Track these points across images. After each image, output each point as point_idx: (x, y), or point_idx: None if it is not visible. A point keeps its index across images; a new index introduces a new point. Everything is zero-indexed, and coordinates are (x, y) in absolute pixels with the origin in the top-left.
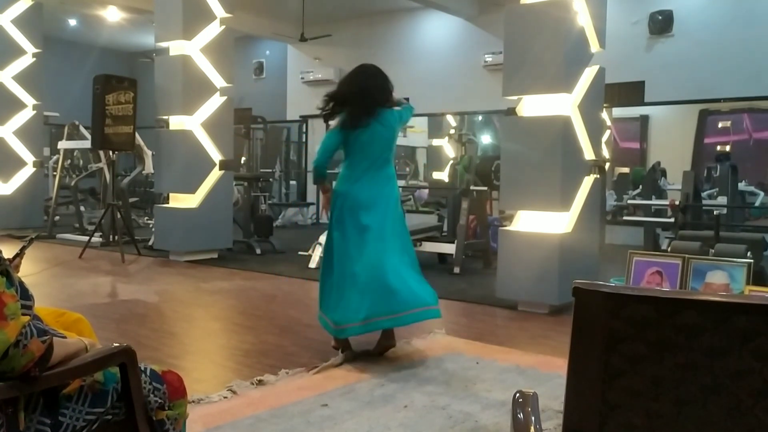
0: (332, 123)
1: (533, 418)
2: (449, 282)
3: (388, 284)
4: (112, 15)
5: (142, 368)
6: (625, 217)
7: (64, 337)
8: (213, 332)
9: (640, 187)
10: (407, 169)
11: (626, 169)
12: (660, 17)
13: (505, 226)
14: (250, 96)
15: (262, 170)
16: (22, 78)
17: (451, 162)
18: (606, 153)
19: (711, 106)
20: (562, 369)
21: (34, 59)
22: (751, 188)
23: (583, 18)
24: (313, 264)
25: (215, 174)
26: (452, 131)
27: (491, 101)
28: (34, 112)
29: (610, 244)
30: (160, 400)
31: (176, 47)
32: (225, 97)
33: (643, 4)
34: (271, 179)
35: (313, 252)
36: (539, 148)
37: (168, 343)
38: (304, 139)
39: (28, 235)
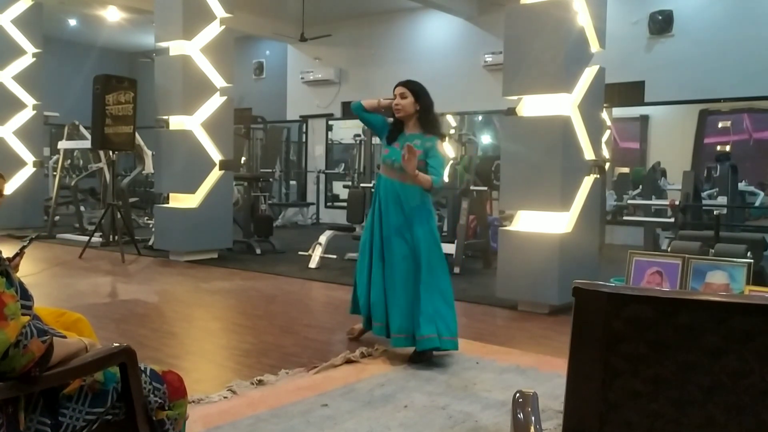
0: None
1: (533, 418)
2: None
3: None
4: (112, 15)
5: (142, 368)
6: (625, 217)
7: (64, 337)
8: (213, 332)
9: (640, 187)
10: None
11: (626, 169)
12: (660, 17)
13: (505, 226)
14: (250, 96)
15: (262, 170)
16: (22, 78)
17: (451, 162)
18: (606, 153)
19: (711, 106)
20: (562, 369)
21: (34, 59)
22: (751, 188)
23: (583, 18)
24: (313, 264)
25: (215, 174)
26: (452, 131)
27: (491, 101)
28: (34, 112)
29: (610, 244)
30: (160, 400)
31: (176, 47)
32: (225, 97)
33: (643, 4)
34: (271, 179)
35: (313, 252)
36: (539, 148)
37: (168, 343)
38: (304, 139)
39: (28, 235)
